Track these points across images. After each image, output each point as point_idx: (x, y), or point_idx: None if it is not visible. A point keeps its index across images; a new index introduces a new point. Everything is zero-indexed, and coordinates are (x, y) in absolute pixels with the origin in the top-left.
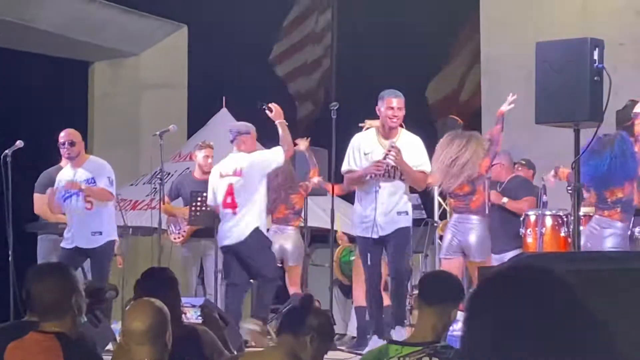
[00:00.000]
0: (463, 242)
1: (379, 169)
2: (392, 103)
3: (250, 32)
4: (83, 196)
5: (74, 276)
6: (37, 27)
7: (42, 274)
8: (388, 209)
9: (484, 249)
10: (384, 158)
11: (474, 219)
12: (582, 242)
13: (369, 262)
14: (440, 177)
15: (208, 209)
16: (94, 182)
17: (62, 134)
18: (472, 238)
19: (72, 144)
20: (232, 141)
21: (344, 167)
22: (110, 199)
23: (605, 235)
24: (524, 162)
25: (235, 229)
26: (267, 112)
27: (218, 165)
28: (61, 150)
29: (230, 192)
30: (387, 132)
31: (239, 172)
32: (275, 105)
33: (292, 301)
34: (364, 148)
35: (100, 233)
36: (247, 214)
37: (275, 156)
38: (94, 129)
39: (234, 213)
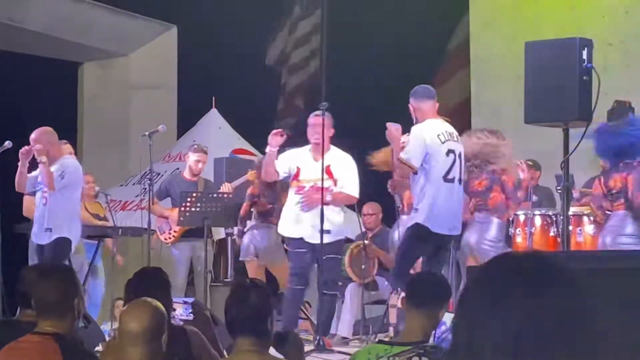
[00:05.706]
0: None
1: None
2: None
3: (239, 32)
4: (42, 192)
5: (79, 280)
6: (26, 27)
7: (49, 272)
8: None
9: None
10: None
11: None
12: None
13: None
14: None
15: (198, 209)
16: (63, 175)
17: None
18: None
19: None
20: None
21: None
22: (50, 186)
23: None
24: (530, 163)
25: None
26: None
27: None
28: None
29: None
30: None
31: None
32: None
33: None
34: None
35: (50, 230)
36: None
37: None
38: (83, 130)
39: None
